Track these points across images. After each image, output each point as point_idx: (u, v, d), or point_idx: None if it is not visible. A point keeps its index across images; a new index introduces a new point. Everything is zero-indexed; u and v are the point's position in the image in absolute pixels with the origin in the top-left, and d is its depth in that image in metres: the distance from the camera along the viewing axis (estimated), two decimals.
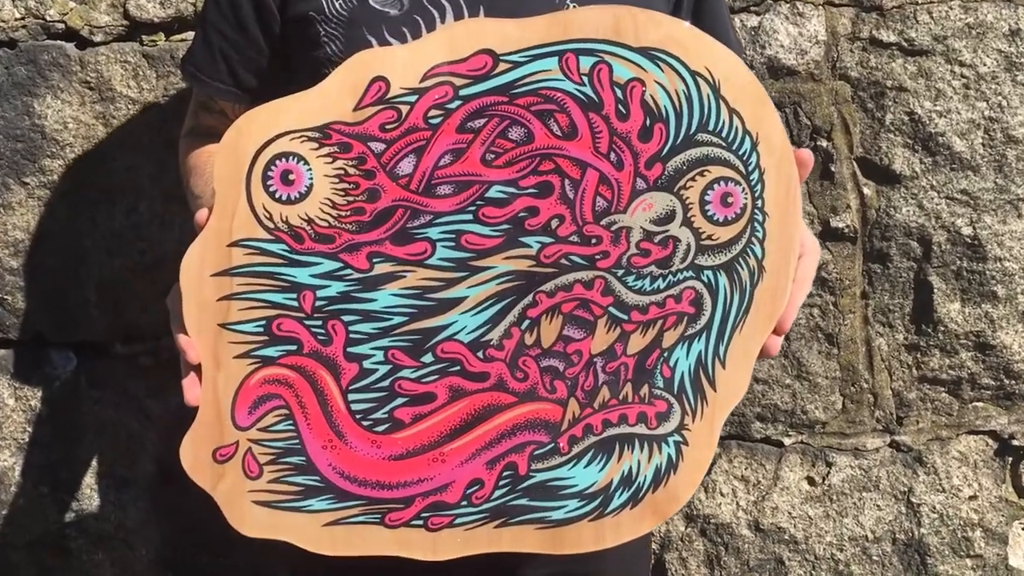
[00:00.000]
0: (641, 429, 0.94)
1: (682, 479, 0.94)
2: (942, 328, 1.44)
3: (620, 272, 0.91)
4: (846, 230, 1.41)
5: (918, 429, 1.47)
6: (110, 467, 1.49)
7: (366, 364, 0.91)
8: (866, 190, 1.40)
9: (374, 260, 0.89)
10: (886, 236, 1.41)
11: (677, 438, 0.94)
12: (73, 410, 1.48)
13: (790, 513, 1.49)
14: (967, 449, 1.47)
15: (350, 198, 0.88)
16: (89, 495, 1.49)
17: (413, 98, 0.88)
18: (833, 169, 1.39)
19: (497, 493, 0.93)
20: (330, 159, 0.88)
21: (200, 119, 1.09)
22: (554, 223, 0.90)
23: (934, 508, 1.48)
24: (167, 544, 1.50)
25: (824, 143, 1.38)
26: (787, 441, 1.48)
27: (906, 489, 1.48)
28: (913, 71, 1.36)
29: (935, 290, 1.42)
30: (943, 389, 1.46)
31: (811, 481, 1.49)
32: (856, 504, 1.48)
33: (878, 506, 1.48)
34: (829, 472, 1.48)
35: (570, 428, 0.93)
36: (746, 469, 1.49)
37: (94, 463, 1.49)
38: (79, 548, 1.50)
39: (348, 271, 0.89)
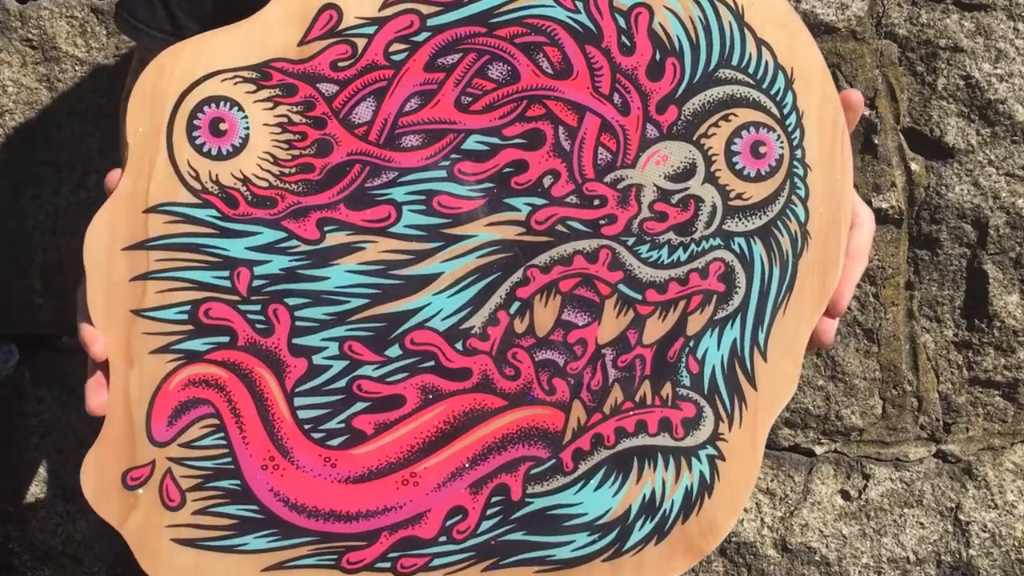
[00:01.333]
0: (665, 440, 0.74)
1: (720, 503, 0.75)
2: (997, 323, 1.26)
3: (631, 241, 0.74)
4: (890, 211, 1.24)
5: (968, 438, 1.30)
6: (57, 475, 1.34)
7: (317, 359, 0.72)
8: (914, 165, 1.23)
9: (326, 228, 0.72)
10: (936, 218, 1.24)
11: (711, 451, 0.74)
12: (15, 410, 1.33)
13: (821, 531, 1.32)
14: (1023, 460, 1.31)
15: (295, 152, 0.72)
16: (34, 506, 1.34)
17: (371, 29, 0.72)
18: (876, 141, 1.22)
19: (485, 525, 0.73)
20: (270, 104, 0.72)
21: None
22: (547, 181, 0.73)
23: (985, 527, 1.30)
24: (120, 561, 1.34)
25: (866, 112, 1.22)
26: (819, 450, 1.32)
27: (953, 505, 1.31)
28: (970, 29, 1.20)
29: (990, 280, 1.25)
30: (997, 392, 1.29)
31: (846, 495, 1.32)
32: (896, 522, 1.31)
33: (921, 524, 1.31)
34: (866, 485, 1.31)
35: (575, 439, 0.74)
36: (772, 481, 1.32)
37: (40, 470, 1.34)
38: (23, 564, 1.35)
39: (293, 242, 0.72)
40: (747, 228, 0.75)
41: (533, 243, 0.73)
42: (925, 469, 1.32)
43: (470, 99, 0.73)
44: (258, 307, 0.72)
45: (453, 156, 0.73)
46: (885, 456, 1.32)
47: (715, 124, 0.74)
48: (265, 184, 0.72)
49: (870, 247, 0.78)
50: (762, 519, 1.32)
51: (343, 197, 0.72)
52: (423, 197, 0.73)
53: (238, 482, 0.72)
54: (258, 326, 0.72)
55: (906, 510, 1.32)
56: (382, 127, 0.72)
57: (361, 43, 0.72)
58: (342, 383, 0.72)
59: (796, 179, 0.75)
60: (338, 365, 0.73)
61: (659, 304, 0.74)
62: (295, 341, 0.72)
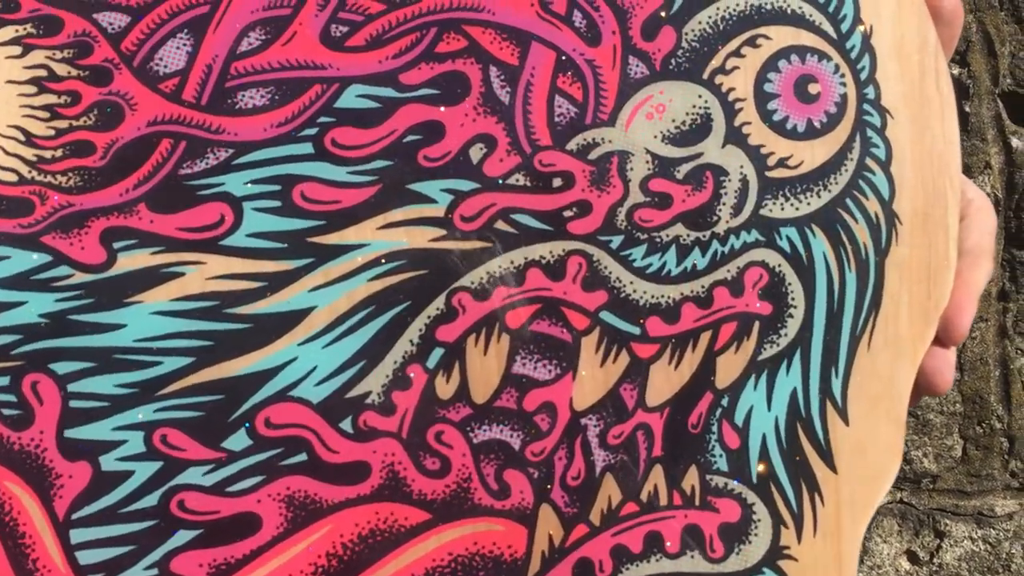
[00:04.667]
0: (696, 564, 0.45)
1: None
2: None
3: (616, 241, 0.46)
4: None
5: None
6: None
7: (108, 463, 0.43)
8: (1015, 141, 0.97)
9: (116, 245, 0.44)
10: None
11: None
12: None
13: None
14: None
15: (62, 124, 0.44)
16: None
17: None
18: (968, 109, 0.97)
19: None
20: (18, 49, 0.44)
21: None
22: (476, 152, 0.45)
23: None
24: None
25: (956, 70, 0.96)
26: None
27: None
28: None
29: None
30: None
31: (913, 558, 1.11)
32: None
33: None
34: (940, 546, 1.10)
35: (548, 570, 0.45)
36: None
37: None
38: None
39: (64, 270, 0.44)
40: (799, 212, 0.47)
41: (459, 253, 0.45)
42: (1016, 526, 1.10)
43: (345, 29, 0.45)
44: (5, 380, 0.43)
45: (322, 120, 0.45)
46: (965, 509, 1.10)
47: (737, 52, 0.47)
48: (13, 178, 0.44)
49: (994, 242, 0.50)
50: None
51: (144, 193, 0.44)
52: (276, 188, 0.45)
53: None
54: (4, 413, 0.43)
55: None
56: (204, 79, 0.45)
57: None
58: (153, 500, 0.43)
59: (870, 132, 0.47)
60: (145, 470, 0.43)
61: (668, 340, 0.46)
62: (70, 434, 0.43)
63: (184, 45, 0.44)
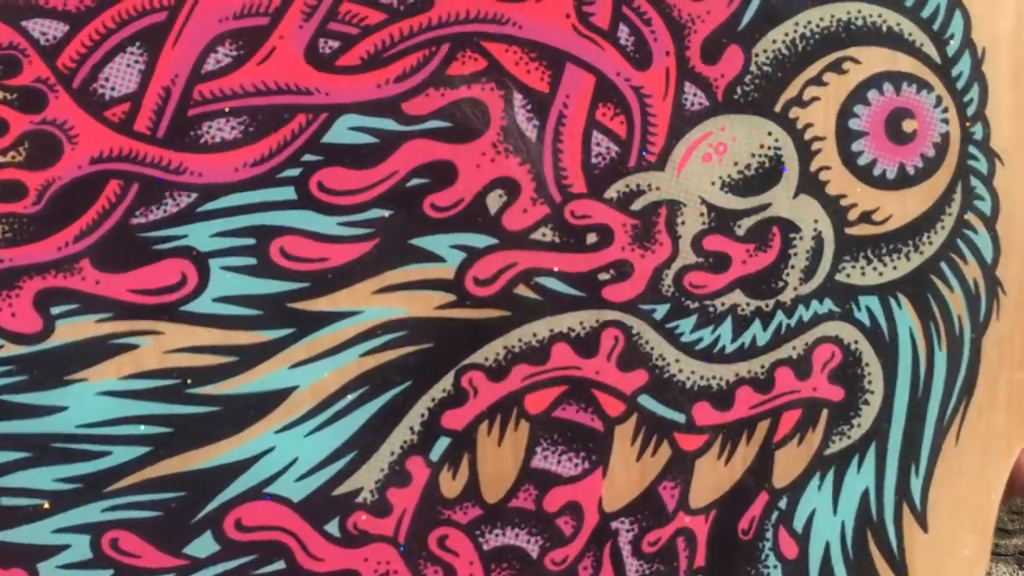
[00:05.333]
0: None
1: None
2: None
3: (660, 311, 0.38)
4: None
5: None
6: None
7: (49, 570, 0.36)
8: None
9: (55, 311, 0.36)
10: None
11: None
12: None
13: None
14: None
15: None
16: None
17: None
18: None
19: None
20: None
21: None
22: (494, 200, 0.37)
23: None
24: None
25: None
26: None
27: None
28: None
29: None
30: None
31: None
32: None
33: None
34: None
35: None
36: None
37: None
38: None
39: None
40: (883, 278, 0.39)
41: (472, 323, 0.37)
42: None
43: (337, 44, 0.36)
44: None
45: (307, 158, 0.36)
46: (1006, 549, 1.01)
47: (818, 79, 0.38)
48: None
49: None
50: None
51: (87, 247, 0.36)
52: (250, 242, 0.36)
53: None
54: None
55: None
56: (160, 105, 0.36)
57: None
58: None
59: (974, 181, 0.39)
60: None
61: (719, 430, 0.38)
62: (2, 537, 0.36)
63: (136, 63, 0.36)
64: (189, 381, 0.36)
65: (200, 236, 0.36)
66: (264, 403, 0.37)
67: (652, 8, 0.37)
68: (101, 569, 0.36)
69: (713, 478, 0.38)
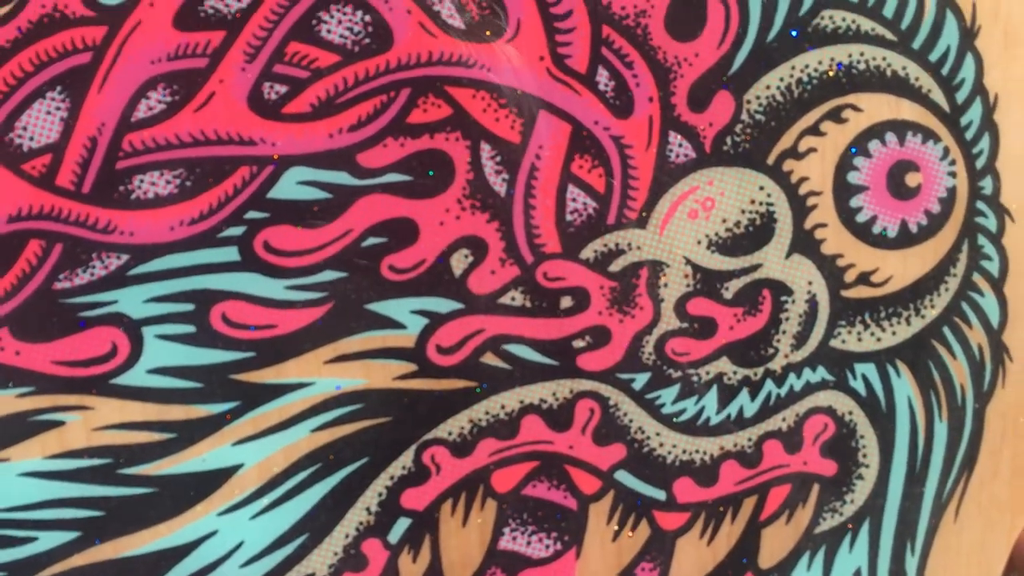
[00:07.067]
0: None
1: None
2: None
3: (640, 380, 0.35)
4: None
5: None
6: None
7: None
8: None
9: None
10: None
11: None
12: None
13: None
14: None
15: None
16: None
17: None
18: None
19: None
20: None
21: None
22: (459, 260, 0.33)
23: None
24: None
25: None
26: None
27: None
28: None
29: None
30: None
31: None
32: None
33: None
34: None
35: None
36: None
37: None
38: None
39: None
40: (880, 344, 0.36)
41: (434, 394, 0.34)
42: None
43: (284, 89, 0.33)
44: None
45: (252, 216, 0.33)
46: None
47: (815, 129, 0.35)
48: None
49: None
50: None
51: (6, 314, 0.32)
52: (189, 307, 0.33)
53: None
54: None
55: None
56: (86, 157, 0.32)
57: None
58: None
59: (982, 239, 0.36)
60: None
61: (701, 508, 0.35)
62: None
63: (57, 109, 0.32)
64: (122, 460, 0.33)
65: (132, 302, 0.33)
66: (205, 483, 0.34)
67: (634, 50, 0.34)
68: None
69: (695, 559, 0.36)
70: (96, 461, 0.33)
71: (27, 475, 0.33)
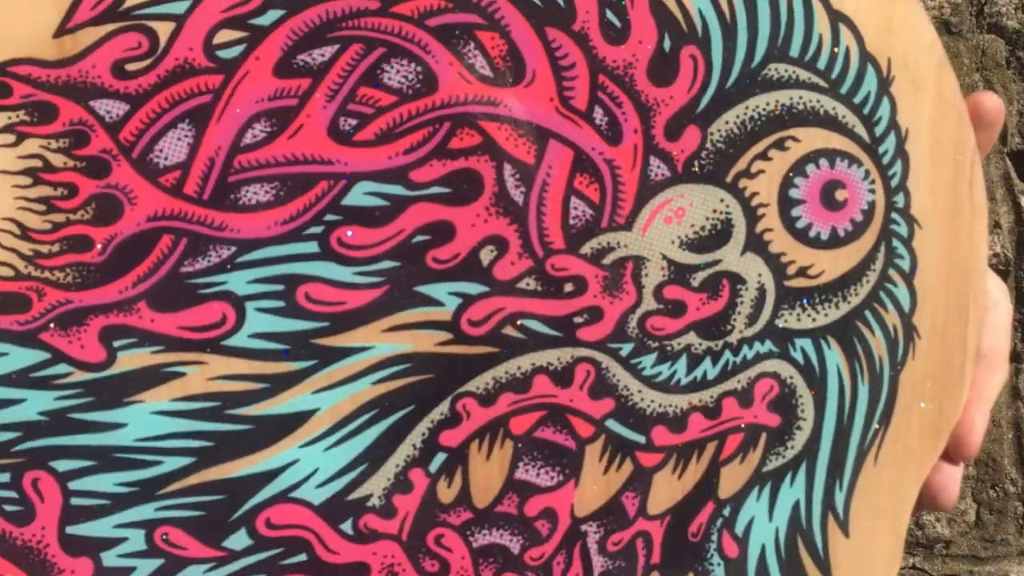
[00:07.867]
0: None
1: None
2: None
3: (626, 349, 0.45)
4: (993, 260, 0.95)
5: None
6: None
7: (110, 559, 0.44)
8: None
9: (116, 344, 0.43)
10: None
11: None
12: None
13: None
14: None
15: (59, 218, 0.43)
16: None
17: (181, 6, 0.42)
18: None
19: None
20: (12, 138, 0.42)
21: None
22: (487, 255, 0.44)
23: None
24: None
25: None
26: None
27: None
28: None
29: None
30: None
31: None
32: None
33: None
34: None
35: None
36: None
37: None
38: None
39: (62, 368, 0.43)
40: (815, 324, 0.46)
41: (466, 357, 0.44)
42: None
43: (355, 122, 0.43)
44: (6, 477, 0.43)
45: (329, 218, 0.43)
46: (979, 575, 1.05)
47: (764, 155, 0.45)
48: (9, 273, 0.43)
49: (1009, 343, 0.49)
50: None
51: (144, 291, 0.43)
52: (280, 287, 0.43)
53: None
54: (6, 508, 0.43)
55: None
56: (206, 172, 0.43)
57: (165, 30, 0.42)
58: None
59: (896, 242, 0.46)
60: (146, 567, 0.44)
61: (673, 450, 0.45)
62: (71, 531, 0.43)
63: (185, 136, 0.42)
64: (228, 403, 0.44)
65: (238, 282, 0.43)
66: (290, 423, 0.44)
67: (623, 93, 0.44)
68: (154, 558, 0.44)
69: (668, 490, 0.46)
70: (209, 404, 0.43)
71: (156, 413, 0.43)
